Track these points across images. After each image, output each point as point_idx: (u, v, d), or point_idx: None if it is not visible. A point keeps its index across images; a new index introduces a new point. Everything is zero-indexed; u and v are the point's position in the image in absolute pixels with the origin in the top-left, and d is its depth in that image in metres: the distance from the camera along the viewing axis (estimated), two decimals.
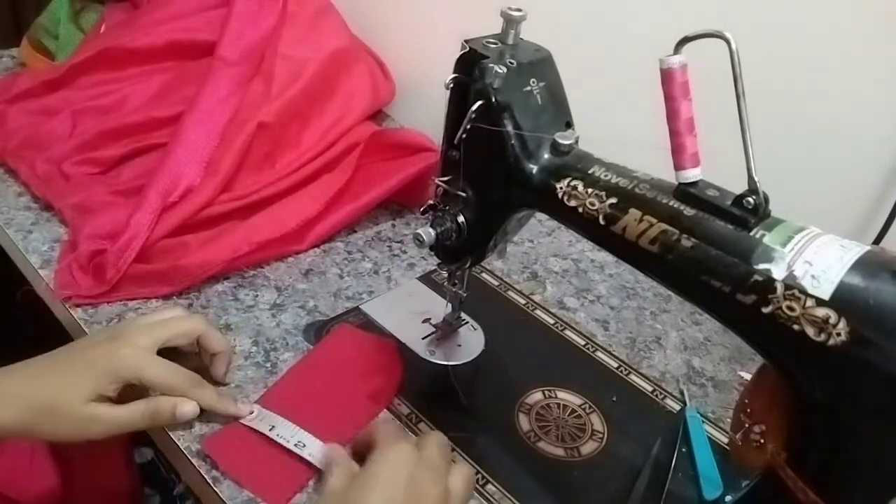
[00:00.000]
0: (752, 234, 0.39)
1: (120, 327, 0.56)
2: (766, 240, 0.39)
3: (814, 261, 0.37)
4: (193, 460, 0.53)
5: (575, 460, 0.59)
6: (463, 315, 0.70)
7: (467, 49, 0.50)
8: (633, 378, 0.68)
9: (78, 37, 0.96)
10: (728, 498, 0.56)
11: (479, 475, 0.56)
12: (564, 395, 0.65)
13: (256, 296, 0.70)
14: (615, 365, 0.70)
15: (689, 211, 0.42)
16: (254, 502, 0.51)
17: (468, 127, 0.50)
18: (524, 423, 0.62)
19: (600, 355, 0.70)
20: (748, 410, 0.42)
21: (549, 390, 0.65)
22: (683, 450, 0.61)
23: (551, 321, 0.74)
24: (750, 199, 0.39)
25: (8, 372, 0.52)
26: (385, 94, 1.00)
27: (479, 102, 0.49)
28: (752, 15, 0.69)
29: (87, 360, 0.52)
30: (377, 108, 0.98)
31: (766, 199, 0.40)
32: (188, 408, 0.53)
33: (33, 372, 0.52)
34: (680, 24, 0.41)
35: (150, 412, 0.52)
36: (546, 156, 0.50)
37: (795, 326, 0.36)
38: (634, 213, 0.44)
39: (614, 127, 0.61)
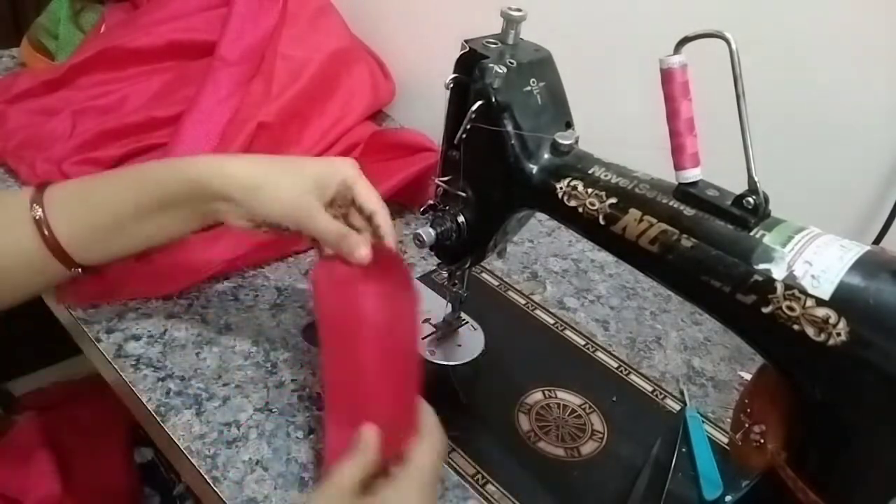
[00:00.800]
0: (752, 234, 0.39)
1: None
2: (766, 240, 0.39)
3: (814, 261, 0.37)
4: (193, 460, 0.53)
5: (575, 460, 0.59)
6: (463, 315, 0.70)
7: (467, 49, 0.50)
8: (633, 378, 0.68)
9: (78, 37, 0.96)
10: (728, 498, 0.56)
11: (479, 475, 0.56)
12: (564, 395, 0.65)
13: (256, 296, 0.70)
14: (615, 365, 0.70)
15: (689, 211, 0.42)
16: (253, 502, 0.51)
17: (468, 127, 0.50)
18: (524, 423, 0.62)
19: (600, 355, 0.70)
20: (748, 410, 0.42)
21: (549, 390, 0.65)
22: (683, 450, 0.61)
23: (551, 321, 0.74)
24: (750, 199, 0.39)
25: (226, 156, 0.59)
26: (385, 94, 1.00)
27: (479, 102, 0.49)
28: (752, 15, 0.69)
29: (305, 160, 0.60)
30: (377, 108, 0.98)
31: (766, 199, 0.40)
32: (364, 252, 0.53)
33: (251, 157, 0.57)
34: (680, 24, 0.41)
35: (340, 232, 0.54)
36: (546, 156, 0.50)
37: (795, 326, 0.36)
38: (634, 213, 0.44)
39: (614, 127, 0.62)
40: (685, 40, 0.40)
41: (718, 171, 0.43)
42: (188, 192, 0.53)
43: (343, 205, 0.57)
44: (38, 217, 0.51)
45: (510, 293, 0.77)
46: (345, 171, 0.56)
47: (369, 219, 0.56)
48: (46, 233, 0.51)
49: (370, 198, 0.56)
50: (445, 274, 0.64)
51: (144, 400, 0.57)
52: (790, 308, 0.37)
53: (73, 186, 0.54)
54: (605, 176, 0.46)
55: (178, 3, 0.91)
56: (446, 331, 0.69)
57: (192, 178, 0.52)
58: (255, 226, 0.56)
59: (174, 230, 0.55)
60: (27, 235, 0.51)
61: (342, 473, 0.46)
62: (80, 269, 0.53)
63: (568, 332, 0.73)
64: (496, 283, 0.78)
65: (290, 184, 0.54)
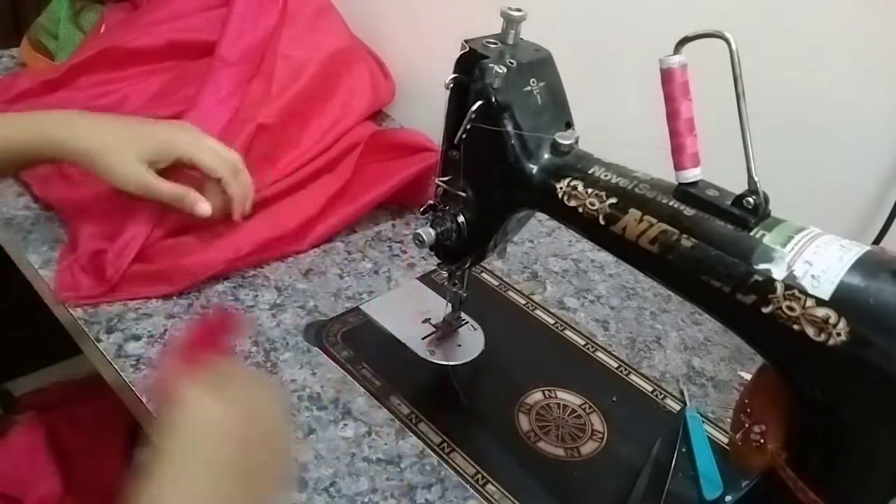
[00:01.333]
0: (752, 234, 0.39)
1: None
2: (766, 240, 0.39)
3: (814, 261, 0.37)
4: None
5: (575, 460, 0.59)
6: (463, 315, 0.70)
7: (467, 49, 0.50)
8: (633, 378, 0.68)
9: (78, 37, 0.96)
10: (728, 498, 0.56)
11: (479, 475, 0.56)
12: (564, 395, 0.65)
13: (256, 296, 0.70)
14: (615, 365, 0.70)
15: (689, 211, 0.42)
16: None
17: (468, 127, 0.50)
18: (524, 423, 0.62)
19: (600, 355, 0.70)
20: (748, 410, 0.42)
21: (549, 390, 0.65)
22: (683, 450, 0.61)
23: (551, 321, 0.74)
24: (750, 199, 0.40)
25: (82, 114, 0.66)
26: (385, 94, 1.00)
27: (479, 102, 0.49)
28: (752, 15, 0.69)
29: (151, 130, 0.65)
30: (377, 107, 0.98)
31: (766, 199, 0.40)
32: (204, 207, 0.65)
33: (104, 120, 0.66)
34: (680, 24, 0.41)
35: (178, 194, 0.64)
36: (546, 156, 0.50)
37: (795, 326, 0.36)
38: (634, 213, 0.44)
39: (614, 127, 0.62)
40: (685, 40, 0.40)
41: (718, 171, 0.43)
42: (45, 147, 0.63)
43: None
44: None
45: (510, 293, 0.77)
46: (182, 148, 0.64)
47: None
48: None
49: (212, 165, 0.65)
50: (445, 274, 0.64)
51: (144, 400, 0.57)
52: (790, 308, 0.37)
53: None
54: (605, 176, 0.46)
55: (178, 2, 0.91)
56: (446, 331, 0.69)
57: (48, 136, 0.62)
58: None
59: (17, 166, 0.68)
60: None
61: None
62: None
63: (568, 332, 0.73)
64: (496, 283, 0.78)
65: (133, 151, 0.62)
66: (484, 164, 0.52)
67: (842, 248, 0.37)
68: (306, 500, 0.52)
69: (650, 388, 0.67)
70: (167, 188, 0.64)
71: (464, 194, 0.54)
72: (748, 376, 0.69)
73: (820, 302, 0.36)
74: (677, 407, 0.66)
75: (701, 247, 0.41)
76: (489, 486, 0.55)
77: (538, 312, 0.75)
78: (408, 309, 0.71)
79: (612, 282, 0.81)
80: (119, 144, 0.62)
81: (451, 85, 0.52)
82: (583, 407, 0.64)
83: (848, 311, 0.35)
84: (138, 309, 0.65)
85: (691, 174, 0.42)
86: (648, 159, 0.44)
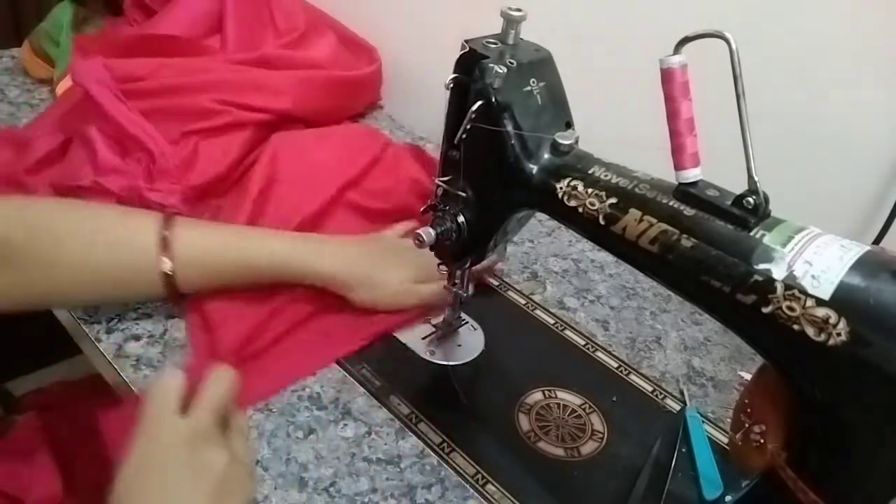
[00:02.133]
0: (752, 234, 0.39)
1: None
2: (766, 240, 0.39)
3: (814, 261, 0.37)
4: None
5: (575, 460, 0.59)
6: (463, 315, 0.70)
7: (467, 49, 0.50)
8: (633, 378, 0.68)
9: None
10: (728, 498, 0.56)
11: (479, 475, 0.56)
12: (564, 395, 0.65)
13: None
14: (615, 365, 0.70)
15: (689, 211, 0.42)
16: (253, 502, 0.51)
17: (468, 127, 0.50)
18: (524, 423, 0.62)
19: (600, 355, 0.70)
20: (748, 410, 0.42)
21: (549, 390, 0.65)
22: (683, 450, 0.61)
23: (551, 321, 0.74)
24: (750, 199, 0.39)
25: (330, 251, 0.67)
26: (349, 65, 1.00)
27: (479, 102, 0.49)
28: (752, 15, 0.69)
29: (404, 256, 0.69)
30: (347, 80, 0.98)
31: (766, 199, 0.40)
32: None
33: (358, 256, 0.67)
34: (680, 24, 0.41)
35: (436, 293, 0.67)
36: (546, 156, 0.50)
37: (795, 326, 0.36)
38: (634, 213, 0.44)
39: (614, 127, 0.62)
40: (685, 40, 0.40)
41: (718, 171, 0.43)
42: (285, 274, 0.64)
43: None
44: (167, 271, 0.59)
45: (510, 293, 0.77)
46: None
47: None
48: (170, 285, 0.60)
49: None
50: (445, 274, 0.64)
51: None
52: (790, 308, 0.37)
53: (198, 239, 0.62)
54: (605, 176, 0.46)
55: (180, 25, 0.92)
56: (446, 331, 0.69)
57: (292, 269, 0.64)
58: None
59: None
60: (153, 282, 0.60)
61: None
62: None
63: (568, 332, 0.73)
64: (496, 283, 0.78)
65: (387, 279, 0.67)
66: (484, 164, 0.52)
67: (842, 248, 0.37)
68: (306, 500, 0.52)
69: (650, 388, 0.67)
70: (432, 293, 0.68)
71: (464, 194, 0.54)
72: (748, 376, 0.69)
73: (820, 302, 0.36)
74: (677, 407, 0.66)
75: (701, 247, 0.41)
76: (489, 486, 0.55)
77: (538, 312, 0.75)
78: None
79: (612, 282, 0.81)
80: (370, 274, 0.66)
81: (451, 85, 0.52)
82: (583, 407, 0.64)
83: (848, 311, 0.35)
84: (138, 309, 0.65)
85: (691, 174, 0.42)
86: (648, 159, 0.44)
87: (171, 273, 0.59)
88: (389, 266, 0.67)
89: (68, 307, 0.64)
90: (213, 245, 0.62)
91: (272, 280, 0.64)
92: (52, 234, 0.58)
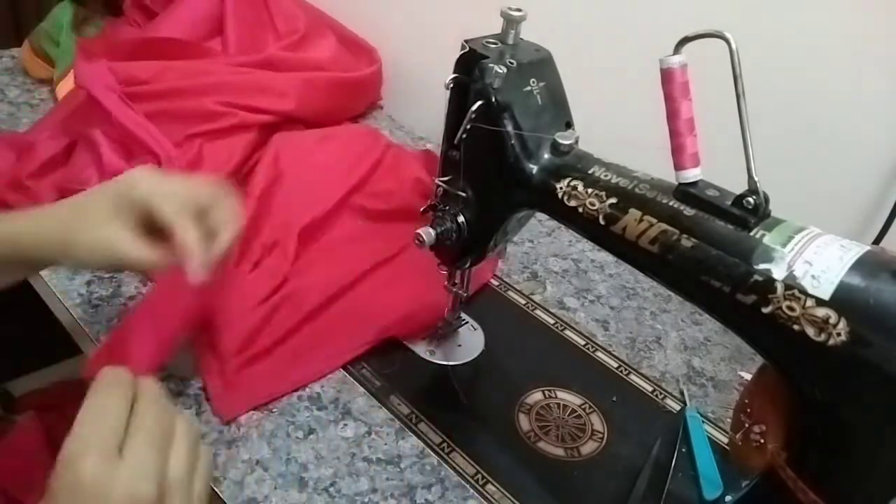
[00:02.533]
0: (752, 234, 0.39)
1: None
2: (766, 240, 0.39)
3: (814, 261, 0.37)
4: None
5: (575, 460, 0.59)
6: (463, 315, 0.70)
7: (467, 49, 0.50)
8: (633, 378, 0.68)
9: None
10: (728, 498, 0.56)
11: (479, 475, 0.56)
12: (564, 395, 0.65)
13: None
14: (615, 365, 0.70)
15: (689, 211, 0.42)
16: (253, 502, 0.51)
17: (468, 127, 0.50)
18: (524, 423, 0.62)
19: (600, 355, 0.70)
20: (748, 410, 0.42)
21: (549, 390, 0.65)
22: (683, 450, 0.61)
23: (551, 321, 0.74)
24: (750, 199, 0.39)
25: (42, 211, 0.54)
26: (352, 66, 1.00)
27: (479, 102, 0.49)
28: (752, 15, 0.69)
29: (102, 187, 0.53)
30: (348, 80, 0.98)
31: (766, 199, 0.40)
32: (201, 274, 0.50)
33: (66, 209, 0.53)
34: (680, 24, 0.41)
35: (151, 263, 0.50)
36: (546, 156, 0.50)
37: (795, 326, 0.36)
38: (634, 213, 0.44)
39: (614, 127, 0.62)
40: (685, 40, 0.40)
41: (718, 171, 0.43)
42: (12, 254, 0.52)
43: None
44: None
45: (510, 293, 0.77)
46: (137, 189, 0.50)
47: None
48: None
49: (165, 215, 0.50)
50: (445, 274, 0.64)
51: None
52: (790, 308, 0.37)
53: None
54: (605, 176, 0.46)
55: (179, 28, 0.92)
56: (446, 331, 0.69)
57: (12, 242, 0.52)
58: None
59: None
60: None
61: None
62: None
63: (568, 332, 0.73)
64: (496, 283, 0.78)
65: (93, 228, 0.50)
66: (484, 164, 0.52)
67: (842, 248, 0.37)
68: (306, 500, 0.52)
69: (650, 388, 0.67)
70: (138, 256, 0.50)
71: (464, 194, 0.54)
72: (748, 376, 0.69)
73: (820, 302, 0.36)
74: (677, 407, 0.66)
75: (701, 247, 0.41)
76: (489, 486, 0.55)
77: (538, 312, 0.75)
78: None
79: (612, 282, 0.81)
80: (77, 226, 0.50)
81: (451, 85, 0.52)
82: (583, 407, 0.64)
83: (848, 311, 0.35)
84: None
85: (691, 174, 0.42)
86: (648, 159, 0.44)
87: None
88: (88, 215, 0.52)
89: None
90: None
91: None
92: None
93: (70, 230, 0.51)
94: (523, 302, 0.76)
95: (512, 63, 0.49)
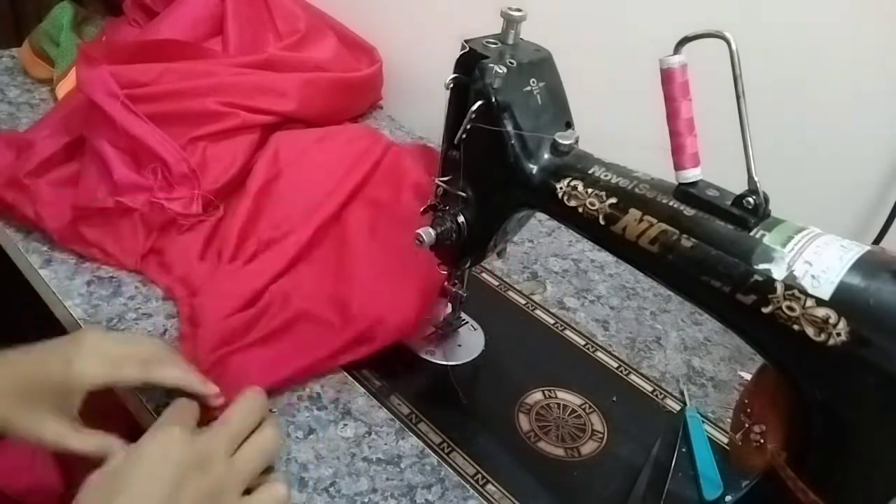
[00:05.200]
0: (752, 234, 0.39)
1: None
2: (766, 240, 0.39)
3: (814, 261, 0.37)
4: None
5: (575, 460, 0.59)
6: (463, 315, 0.70)
7: (467, 49, 0.50)
8: (633, 378, 0.68)
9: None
10: (728, 498, 0.56)
11: (479, 475, 0.56)
12: (564, 395, 0.65)
13: None
14: (615, 365, 0.70)
15: (689, 211, 0.42)
16: None
17: (468, 127, 0.50)
18: (524, 423, 0.62)
19: (600, 355, 0.70)
20: (748, 410, 0.42)
21: (549, 390, 0.65)
22: (683, 450, 0.61)
23: (551, 321, 0.74)
24: (750, 199, 0.40)
25: None
26: (351, 67, 1.00)
27: (479, 102, 0.49)
28: (752, 15, 0.69)
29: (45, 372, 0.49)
30: (348, 81, 0.98)
31: (766, 199, 0.40)
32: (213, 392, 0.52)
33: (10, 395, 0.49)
34: (680, 24, 0.41)
35: (101, 447, 0.49)
36: (546, 156, 0.50)
37: (795, 326, 0.36)
38: (634, 213, 0.44)
39: (614, 127, 0.62)
40: (685, 40, 0.40)
41: (718, 171, 0.43)
42: None
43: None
44: None
45: (510, 293, 0.77)
46: (82, 378, 0.49)
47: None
48: None
49: (129, 378, 0.51)
50: (445, 274, 0.64)
51: (144, 400, 0.57)
52: (790, 308, 0.37)
53: None
54: (605, 176, 0.46)
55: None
56: (446, 331, 0.69)
57: None
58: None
59: None
60: None
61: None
62: None
63: (568, 332, 0.73)
64: (496, 283, 0.78)
65: (35, 420, 0.49)
66: (484, 164, 0.52)
67: (842, 248, 0.37)
68: (306, 500, 0.52)
69: (650, 388, 0.67)
70: (85, 445, 0.49)
71: (464, 194, 0.54)
72: (748, 376, 0.69)
73: (820, 302, 0.36)
74: (677, 407, 0.66)
75: (701, 247, 0.41)
76: (489, 486, 0.55)
77: (538, 312, 0.75)
78: None
79: (612, 282, 0.81)
80: (19, 416, 0.49)
81: (451, 85, 0.52)
82: (583, 407, 0.64)
83: (848, 311, 0.35)
84: (138, 309, 0.65)
85: (691, 174, 0.42)
86: (648, 159, 0.44)
87: None
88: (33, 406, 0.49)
89: None
90: None
91: None
92: None
93: (8, 416, 0.49)
94: (523, 302, 0.76)
95: (512, 63, 0.49)
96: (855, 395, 0.36)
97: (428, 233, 0.56)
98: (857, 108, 0.68)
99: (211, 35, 0.92)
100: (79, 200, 0.70)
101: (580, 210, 0.47)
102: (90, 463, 0.45)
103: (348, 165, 0.82)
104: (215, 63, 0.86)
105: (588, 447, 0.60)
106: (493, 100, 0.48)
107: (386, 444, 0.57)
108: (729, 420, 0.59)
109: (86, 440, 0.49)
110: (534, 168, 0.50)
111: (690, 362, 0.72)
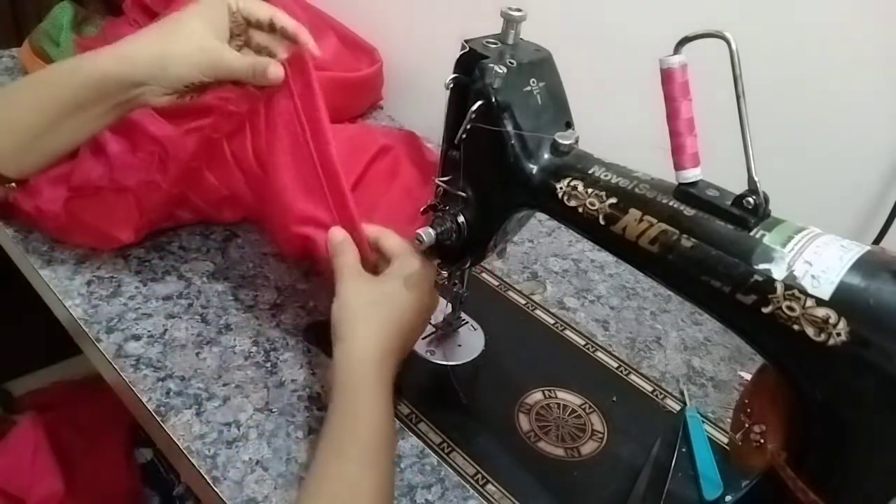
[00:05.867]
0: (752, 234, 0.39)
1: None
2: (766, 240, 0.39)
3: (814, 261, 0.37)
4: (193, 460, 0.53)
5: (575, 460, 0.59)
6: (463, 315, 0.70)
7: (467, 49, 0.50)
8: (633, 378, 0.68)
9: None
10: (728, 498, 0.56)
11: (479, 475, 0.56)
12: (564, 395, 0.65)
13: (256, 296, 0.70)
14: (615, 365, 0.70)
15: (689, 211, 0.42)
16: (253, 502, 0.51)
17: (468, 127, 0.50)
18: (524, 423, 0.62)
19: (600, 355, 0.70)
20: (748, 410, 0.42)
21: (549, 390, 0.65)
22: (683, 450, 0.61)
23: (551, 321, 0.74)
24: (750, 199, 0.40)
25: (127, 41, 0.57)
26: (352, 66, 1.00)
27: (479, 102, 0.49)
28: (752, 15, 0.70)
29: (197, 8, 0.57)
30: (350, 81, 0.98)
31: (766, 199, 0.40)
32: (274, 70, 0.57)
33: (154, 31, 0.57)
34: (680, 24, 0.41)
35: (251, 64, 0.56)
36: (546, 156, 0.50)
37: (795, 326, 0.36)
38: (634, 213, 0.44)
39: (614, 127, 0.62)
40: (685, 40, 0.40)
41: (718, 171, 0.43)
42: (99, 89, 0.55)
43: (241, 32, 0.59)
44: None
45: (510, 293, 0.77)
46: (223, 4, 0.57)
47: (272, 28, 0.59)
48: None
49: (260, 8, 0.58)
50: (445, 274, 0.64)
51: (144, 400, 0.57)
52: (790, 308, 0.37)
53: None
54: (605, 176, 0.46)
55: None
56: (446, 331, 0.69)
57: (99, 77, 0.54)
58: (178, 96, 0.57)
59: (95, 126, 0.58)
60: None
61: (347, 265, 0.56)
62: (13, 184, 0.60)
63: (568, 332, 0.73)
64: (496, 283, 0.78)
65: (188, 39, 0.55)
66: (484, 164, 0.52)
67: (842, 248, 0.37)
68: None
69: (650, 388, 0.67)
70: (236, 60, 0.56)
71: (464, 194, 0.54)
72: (748, 376, 0.69)
73: (820, 302, 0.36)
74: (677, 407, 0.66)
75: (701, 247, 0.41)
76: (489, 486, 0.55)
77: (538, 312, 0.75)
78: None
79: (612, 282, 0.81)
80: (171, 39, 0.55)
81: (451, 85, 0.52)
82: (583, 407, 0.64)
83: (848, 311, 0.35)
84: (138, 309, 0.65)
85: (691, 174, 0.42)
86: (648, 159, 0.45)
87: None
88: (182, 28, 0.57)
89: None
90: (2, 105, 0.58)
91: (85, 107, 0.56)
92: None
93: (165, 43, 0.55)
94: (523, 302, 0.76)
95: (512, 63, 0.49)
96: (855, 395, 0.36)
97: (428, 233, 0.56)
98: (857, 108, 0.68)
99: None
100: (74, 181, 0.71)
101: (580, 210, 0.47)
102: (90, 464, 0.45)
103: (344, 163, 0.82)
104: None
105: (588, 447, 0.60)
106: (493, 100, 0.48)
107: None
108: (729, 420, 0.59)
109: (242, 59, 0.57)
110: (534, 168, 0.50)
111: (690, 362, 0.72)
